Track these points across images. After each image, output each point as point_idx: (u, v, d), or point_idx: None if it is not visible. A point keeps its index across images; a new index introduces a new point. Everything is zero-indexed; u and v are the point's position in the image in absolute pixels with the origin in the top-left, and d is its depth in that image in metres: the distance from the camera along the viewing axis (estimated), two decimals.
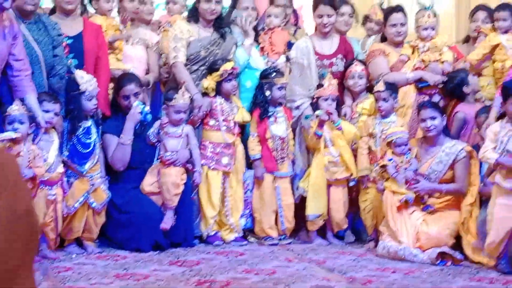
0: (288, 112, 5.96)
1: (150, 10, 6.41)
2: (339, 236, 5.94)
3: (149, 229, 5.31)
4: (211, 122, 5.77)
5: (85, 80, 5.25)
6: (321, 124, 5.71)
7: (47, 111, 4.97)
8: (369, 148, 5.70)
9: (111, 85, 5.71)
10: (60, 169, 5.07)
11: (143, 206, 5.40)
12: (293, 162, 5.95)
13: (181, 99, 5.47)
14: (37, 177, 4.76)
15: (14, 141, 4.69)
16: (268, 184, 5.82)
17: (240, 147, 5.85)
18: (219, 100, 5.77)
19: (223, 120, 5.73)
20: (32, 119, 4.81)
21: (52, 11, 5.67)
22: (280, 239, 5.78)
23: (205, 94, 5.75)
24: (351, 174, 5.75)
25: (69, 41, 5.41)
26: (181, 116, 5.49)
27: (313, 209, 5.78)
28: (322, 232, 5.87)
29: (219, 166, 5.74)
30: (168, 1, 6.43)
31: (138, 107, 5.41)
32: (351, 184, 5.81)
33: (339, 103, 5.89)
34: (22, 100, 4.82)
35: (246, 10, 6.14)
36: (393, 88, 5.71)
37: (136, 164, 5.51)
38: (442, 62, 5.93)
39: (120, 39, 5.81)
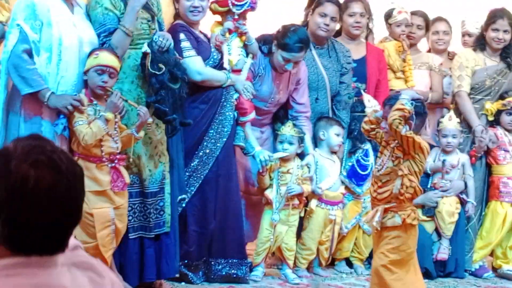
0: None
1: (445, 40, 6.20)
2: None
3: (419, 256, 5.26)
4: (500, 153, 5.57)
5: (371, 104, 5.32)
6: None
7: (337, 135, 5.19)
8: None
9: None
10: (342, 189, 5.22)
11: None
12: None
13: (448, 123, 5.41)
14: (303, 194, 5.02)
15: (285, 159, 4.98)
16: None
17: None
18: (500, 130, 5.59)
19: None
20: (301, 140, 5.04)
21: (337, 34, 5.76)
22: None
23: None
24: None
25: (353, 65, 5.50)
26: (449, 141, 5.40)
27: None
28: None
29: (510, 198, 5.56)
30: (463, 34, 6.27)
31: None
32: None
33: None
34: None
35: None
36: None
37: None
38: None
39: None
